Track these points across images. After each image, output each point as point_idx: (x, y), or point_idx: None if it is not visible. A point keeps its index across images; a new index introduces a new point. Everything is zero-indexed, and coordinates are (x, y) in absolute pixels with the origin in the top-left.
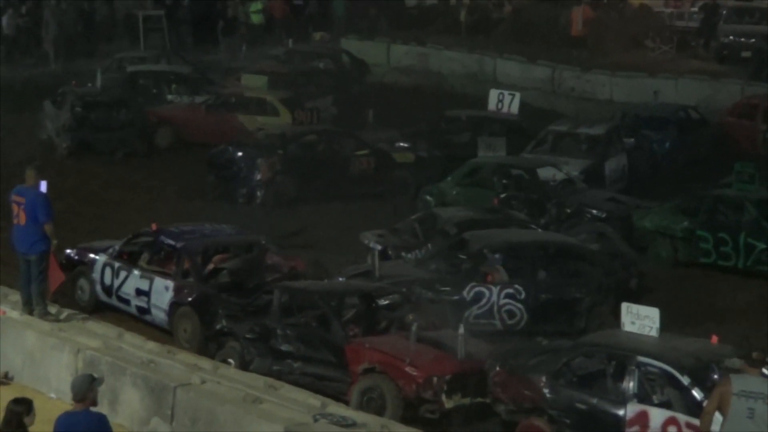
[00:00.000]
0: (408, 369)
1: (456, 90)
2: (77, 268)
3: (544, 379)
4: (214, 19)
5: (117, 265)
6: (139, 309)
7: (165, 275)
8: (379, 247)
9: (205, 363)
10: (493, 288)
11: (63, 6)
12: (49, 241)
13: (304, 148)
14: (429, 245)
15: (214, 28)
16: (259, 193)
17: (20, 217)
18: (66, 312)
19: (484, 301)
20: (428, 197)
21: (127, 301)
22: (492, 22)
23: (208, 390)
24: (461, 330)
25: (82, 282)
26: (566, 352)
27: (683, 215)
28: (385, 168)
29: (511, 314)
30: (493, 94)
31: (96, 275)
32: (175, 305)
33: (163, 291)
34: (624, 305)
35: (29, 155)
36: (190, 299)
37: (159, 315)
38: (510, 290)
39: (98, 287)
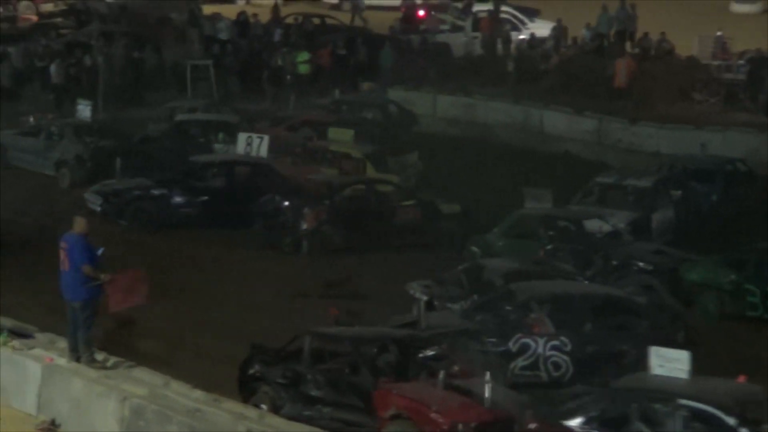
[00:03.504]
0: (434, 415)
1: (502, 141)
2: None
3: (579, 425)
4: (260, 68)
5: None
6: None
7: None
8: (425, 298)
9: (251, 412)
10: (539, 339)
11: (112, 55)
12: (94, 287)
13: (351, 198)
14: (475, 296)
15: (260, 78)
16: (304, 243)
17: (65, 263)
18: (113, 359)
19: (529, 352)
20: (474, 248)
21: None
22: (538, 73)
23: None
24: (488, 377)
25: None
26: (602, 397)
27: (730, 268)
28: (431, 218)
29: (556, 366)
30: (242, 137)
31: None
32: None
33: None
34: (652, 349)
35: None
36: None
37: None
38: (556, 342)
39: None
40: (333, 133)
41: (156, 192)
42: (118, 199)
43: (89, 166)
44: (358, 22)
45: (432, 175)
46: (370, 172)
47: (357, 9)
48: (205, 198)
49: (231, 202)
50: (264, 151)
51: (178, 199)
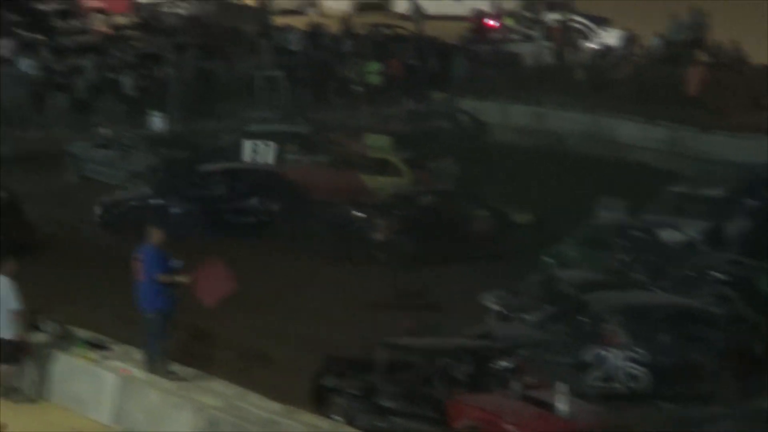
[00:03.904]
0: (508, 427)
1: (574, 150)
2: None
3: None
4: (331, 79)
5: None
6: None
7: None
8: (498, 309)
9: (326, 423)
10: (614, 351)
11: (183, 66)
12: (168, 299)
13: (424, 209)
14: (549, 307)
15: (331, 89)
16: (378, 253)
17: (140, 274)
18: (188, 370)
19: (604, 364)
20: (547, 259)
21: None
22: (610, 82)
23: None
24: (564, 389)
25: None
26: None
27: None
28: (504, 228)
29: (632, 377)
30: (248, 145)
31: None
32: None
33: None
34: None
35: None
36: None
37: None
38: (631, 353)
39: None
40: (370, 139)
41: (153, 202)
42: (117, 209)
43: (162, 177)
44: (420, 30)
45: (504, 185)
46: (407, 176)
47: (417, 17)
48: (203, 206)
49: (229, 210)
50: (271, 159)
51: (175, 209)
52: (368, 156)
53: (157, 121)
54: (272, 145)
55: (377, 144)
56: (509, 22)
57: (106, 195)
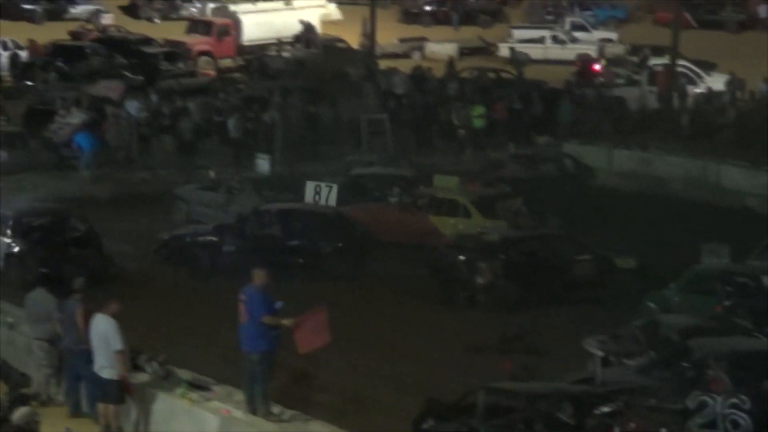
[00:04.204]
0: None
1: (678, 195)
2: None
3: None
4: (435, 122)
5: None
6: None
7: None
8: (600, 354)
9: None
10: (718, 397)
11: (289, 109)
12: (273, 339)
13: (526, 253)
14: (651, 352)
15: (436, 132)
16: (480, 297)
17: (243, 315)
18: (289, 412)
19: (707, 410)
20: (651, 304)
21: None
22: (715, 127)
23: None
24: None
25: None
26: None
27: None
28: (606, 273)
29: (735, 425)
30: (310, 186)
31: None
32: None
33: None
34: None
35: None
36: None
37: None
38: (735, 400)
39: None
40: (439, 180)
41: (205, 239)
42: (173, 245)
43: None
44: (520, 74)
45: (608, 230)
46: (477, 218)
47: (517, 62)
48: (257, 245)
49: (284, 251)
50: (333, 200)
51: (228, 247)
52: (437, 197)
53: (263, 164)
54: (334, 187)
55: (446, 185)
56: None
57: (166, 230)
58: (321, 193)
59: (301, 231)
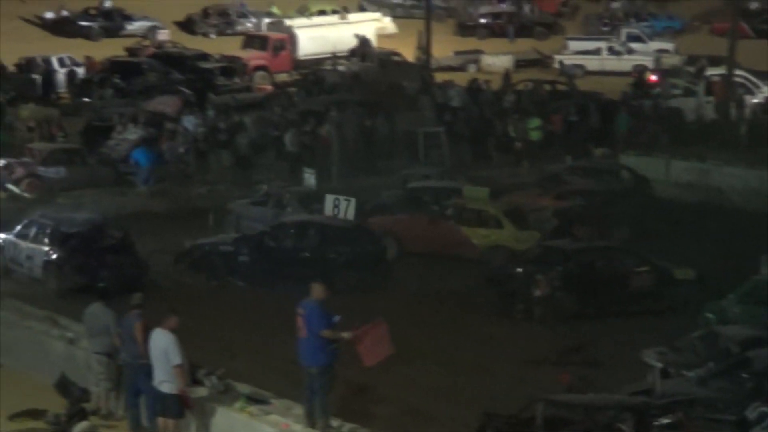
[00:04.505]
0: None
1: (736, 206)
2: None
3: None
4: (492, 135)
5: None
6: None
7: None
8: (659, 365)
9: None
10: None
11: (345, 123)
12: (331, 353)
13: (583, 264)
14: (711, 364)
15: (492, 145)
16: (537, 309)
17: (302, 329)
18: (348, 425)
19: (767, 421)
20: (709, 315)
21: None
22: None
23: None
24: None
25: None
26: None
27: None
28: (665, 284)
29: None
30: (329, 200)
31: None
32: None
33: None
34: None
35: None
36: None
37: None
38: None
39: None
40: (468, 191)
41: (223, 248)
42: (194, 253)
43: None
44: (573, 86)
45: (666, 241)
46: (508, 229)
47: (568, 74)
48: (271, 256)
49: (296, 262)
50: (351, 214)
51: (243, 257)
52: (466, 208)
53: (310, 178)
54: (352, 200)
55: (475, 196)
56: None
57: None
58: (340, 207)
59: (314, 243)
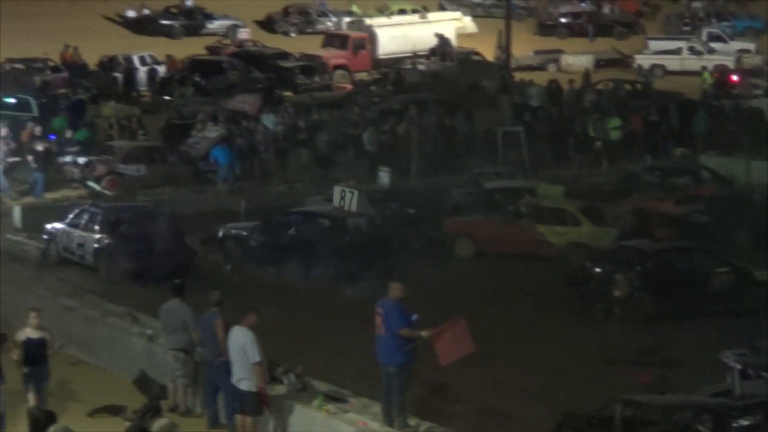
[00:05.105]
0: None
1: None
2: None
3: None
4: (571, 134)
5: None
6: None
7: None
8: (739, 366)
9: None
10: None
11: (424, 122)
12: (410, 352)
13: (663, 265)
14: None
15: (571, 144)
16: (616, 309)
17: (380, 328)
18: (425, 424)
19: None
20: None
21: None
22: None
23: None
24: None
25: None
26: None
27: None
28: (745, 286)
29: None
30: (337, 191)
31: None
32: None
33: None
34: None
35: None
36: None
37: None
38: None
39: None
40: (543, 190)
41: (236, 232)
42: (218, 236)
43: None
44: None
45: (746, 242)
46: (586, 227)
47: (644, 74)
48: (275, 242)
49: (288, 249)
50: (355, 206)
51: (253, 242)
52: (543, 206)
53: (384, 177)
54: (356, 193)
55: (551, 194)
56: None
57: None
58: (345, 198)
59: (311, 232)
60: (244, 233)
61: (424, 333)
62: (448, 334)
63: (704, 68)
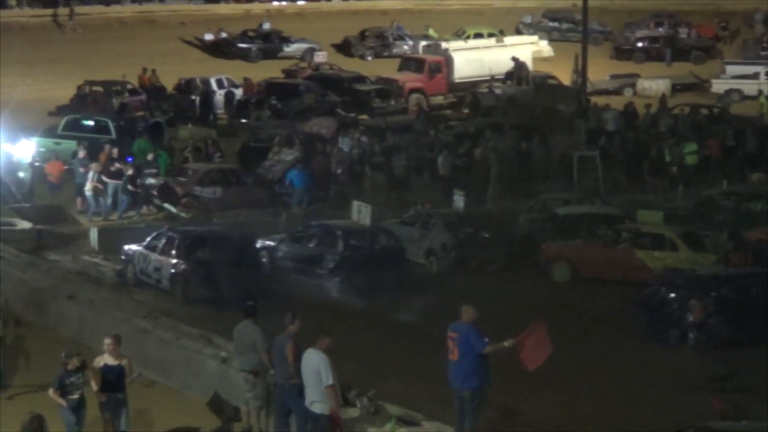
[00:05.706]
0: None
1: None
2: None
3: None
4: (647, 159)
5: None
6: None
7: None
8: None
9: None
10: None
11: (500, 146)
12: (483, 377)
13: (738, 290)
14: None
15: (647, 169)
16: (691, 335)
17: (454, 352)
18: None
19: None
20: None
21: None
22: None
23: None
24: None
25: None
26: None
27: None
28: None
29: None
30: (355, 206)
31: None
32: None
33: None
34: None
35: None
36: None
37: None
38: None
39: None
40: (643, 215)
41: (268, 243)
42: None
43: (453, 255)
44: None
45: None
46: (684, 252)
47: (725, 100)
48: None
49: (304, 260)
50: (367, 220)
51: (280, 253)
52: (642, 231)
53: (459, 200)
54: (369, 207)
55: (651, 220)
56: None
57: None
58: (362, 212)
59: (325, 245)
60: (272, 243)
61: (507, 343)
62: (531, 338)
63: (760, 92)
